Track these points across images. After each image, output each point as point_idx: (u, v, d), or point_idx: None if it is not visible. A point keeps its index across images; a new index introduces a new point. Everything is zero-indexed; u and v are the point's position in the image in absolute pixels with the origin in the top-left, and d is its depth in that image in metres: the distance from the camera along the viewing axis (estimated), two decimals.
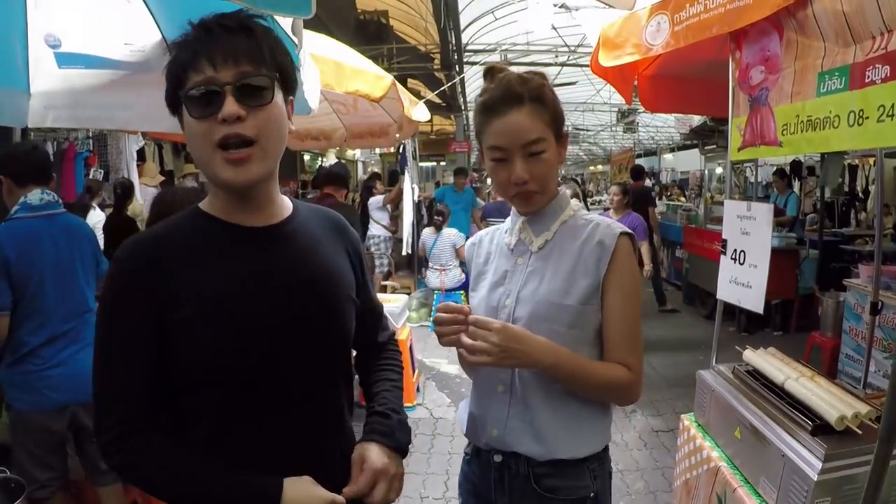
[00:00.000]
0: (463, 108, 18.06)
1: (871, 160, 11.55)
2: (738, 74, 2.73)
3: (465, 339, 1.41)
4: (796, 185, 10.81)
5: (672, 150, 23.74)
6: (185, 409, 1.24)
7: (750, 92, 2.63)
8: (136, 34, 3.42)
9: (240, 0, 1.91)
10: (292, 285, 1.27)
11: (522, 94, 1.50)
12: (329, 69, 4.02)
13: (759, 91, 2.55)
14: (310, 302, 1.29)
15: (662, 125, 21.16)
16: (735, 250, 2.91)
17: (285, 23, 2.72)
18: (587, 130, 24.68)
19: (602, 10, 4.37)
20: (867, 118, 1.99)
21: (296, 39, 2.57)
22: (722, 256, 3.01)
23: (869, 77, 1.99)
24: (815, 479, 1.95)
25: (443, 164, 23.17)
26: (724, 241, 2.99)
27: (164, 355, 1.19)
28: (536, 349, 1.44)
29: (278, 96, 1.21)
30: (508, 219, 1.74)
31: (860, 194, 12.10)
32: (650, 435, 4.87)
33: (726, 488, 2.45)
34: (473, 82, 16.51)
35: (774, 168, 10.53)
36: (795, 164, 11.19)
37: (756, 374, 2.63)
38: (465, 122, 19.41)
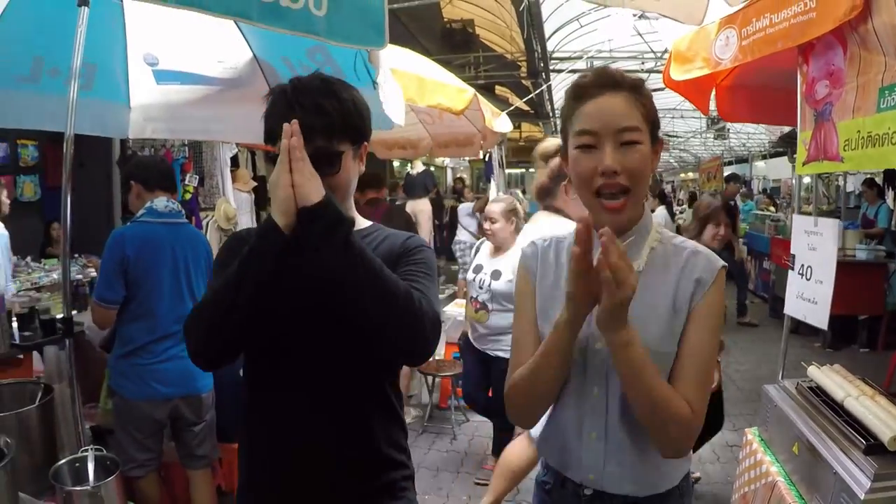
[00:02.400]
0: (551, 115, 17.99)
1: None
2: (804, 88, 2.71)
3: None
4: (889, 195, 10.22)
5: (763, 157, 22.85)
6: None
7: (815, 106, 2.61)
8: (228, 52, 3.64)
9: (318, 36, 2.08)
10: (312, 290, 1.40)
11: (621, 81, 1.37)
12: (412, 84, 4.17)
13: (824, 106, 2.53)
14: (320, 310, 1.42)
15: (754, 131, 20.39)
16: (802, 265, 2.87)
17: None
18: (677, 137, 24.06)
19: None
20: None
21: (372, 68, 2.72)
22: (790, 271, 2.98)
23: None
24: (863, 497, 1.94)
25: (531, 170, 23.10)
26: (793, 255, 2.96)
27: None
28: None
29: (348, 160, 1.42)
30: (571, 232, 1.38)
31: None
32: (724, 449, 4.80)
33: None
34: (561, 89, 16.45)
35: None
36: (889, 174, 10.60)
37: (819, 391, 2.61)
38: (554, 129, 19.24)
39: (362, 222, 1.58)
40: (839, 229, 2.67)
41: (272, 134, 1.39)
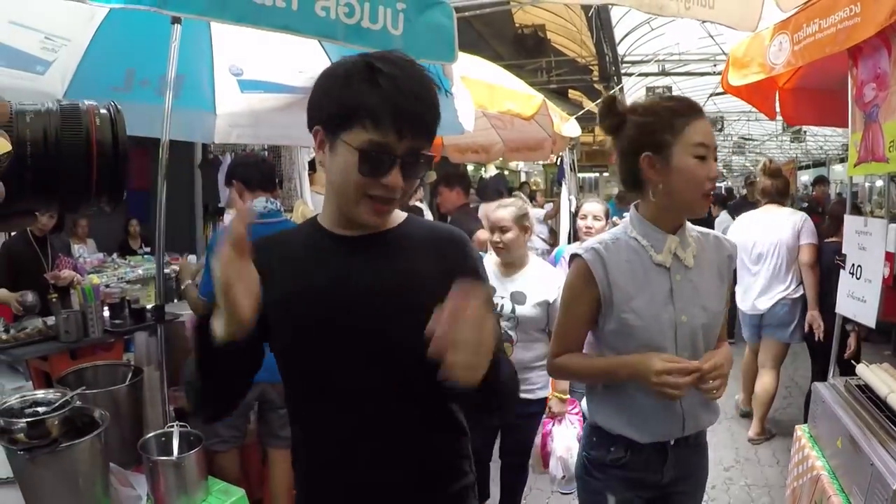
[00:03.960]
0: None
1: None
2: (854, 91, 2.76)
3: (705, 386, 1.69)
4: None
5: (841, 160, 21.97)
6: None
7: (864, 108, 2.66)
8: (308, 62, 3.85)
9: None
10: (355, 291, 1.25)
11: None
12: (482, 91, 4.34)
13: (871, 108, 2.58)
14: (368, 310, 1.24)
15: (831, 134, 19.57)
16: (853, 265, 2.92)
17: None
18: (753, 140, 23.40)
19: None
20: None
21: (445, 79, 2.94)
22: (842, 271, 3.02)
23: None
24: (895, 487, 2.00)
25: (605, 174, 22.76)
26: (844, 255, 3.00)
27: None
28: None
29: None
30: (621, 231, 1.83)
31: None
32: (784, 453, 4.75)
33: (823, 496, 2.51)
34: (634, 93, 16.28)
35: None
36: None
37: (865, 389, 2.66)
38: None
39: (398, 216, 1.34)
40: (888, 229, 2.71)
41: (348, 114, 1.13)
